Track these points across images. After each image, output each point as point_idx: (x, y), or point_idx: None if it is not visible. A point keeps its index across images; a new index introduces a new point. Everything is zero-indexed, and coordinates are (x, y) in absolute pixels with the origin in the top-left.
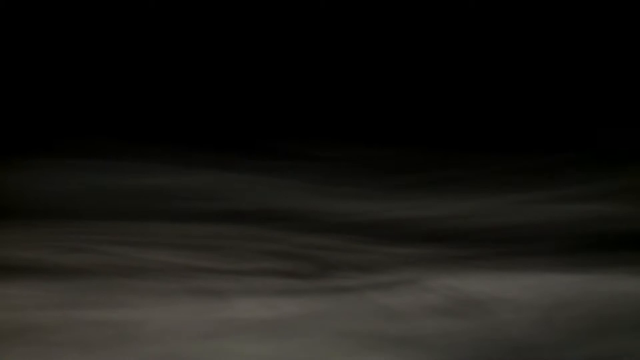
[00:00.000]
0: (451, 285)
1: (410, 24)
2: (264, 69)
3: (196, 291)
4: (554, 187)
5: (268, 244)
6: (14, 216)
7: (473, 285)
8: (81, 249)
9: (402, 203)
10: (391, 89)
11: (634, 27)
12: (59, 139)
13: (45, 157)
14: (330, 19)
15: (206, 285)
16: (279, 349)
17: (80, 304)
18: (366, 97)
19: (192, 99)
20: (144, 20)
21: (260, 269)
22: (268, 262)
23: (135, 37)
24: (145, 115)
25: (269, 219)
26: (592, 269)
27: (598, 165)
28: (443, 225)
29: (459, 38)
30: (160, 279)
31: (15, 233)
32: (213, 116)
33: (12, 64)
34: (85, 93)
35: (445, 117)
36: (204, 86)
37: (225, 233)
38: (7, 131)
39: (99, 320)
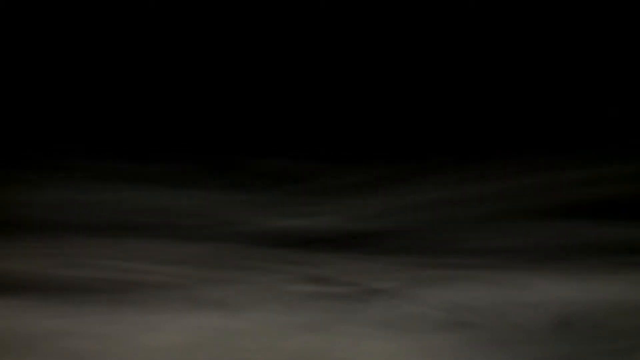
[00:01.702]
0: (445, 296)
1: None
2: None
3: (194, 302)
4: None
5: (249, 258)
6: (9, 229)
7: (466, 296)
8: (76, 263)
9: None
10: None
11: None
12: (46, 156)
13: (34, 173)
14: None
15: (201, 296)
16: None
17: (76, 317)
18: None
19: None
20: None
21: (251, 281)
22: (258, 275)
23: (96, 64)
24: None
25: (237, 234)
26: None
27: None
28: (402, 235)
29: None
30: (153, 292)
31: (11, 246)
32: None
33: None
34: (65, 110)
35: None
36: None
37: (210, 248)
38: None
39: (96, 331)
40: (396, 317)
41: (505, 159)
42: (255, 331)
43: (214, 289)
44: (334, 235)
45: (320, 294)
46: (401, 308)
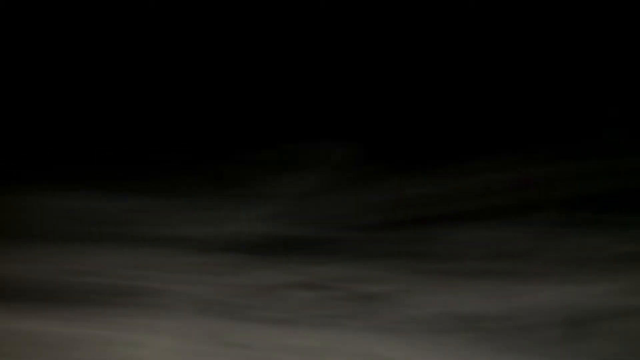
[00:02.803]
0: (447, 299)
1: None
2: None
3: (192, 305)
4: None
5: (240, 261)
6: (7, 235)
7: (469, 299)
8: (74, 269)
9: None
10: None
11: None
12: (44, 160)
13: (32, 178)
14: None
15: (198, 299)
16: None
17: (75, 321)
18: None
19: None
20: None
21: (247, 284)
22: (253, 278)
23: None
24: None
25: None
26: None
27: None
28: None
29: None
30: (152, 296)
31: (9, 252)
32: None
33: None
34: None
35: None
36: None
37: (200, 252)
38: None
39: (95, 335)
40: (398, 321)
41: (504, 159)
42: (254, 332)
43: (210, 291)
44: (326, 237)
45: (318, 297)
46: (402, 312)
